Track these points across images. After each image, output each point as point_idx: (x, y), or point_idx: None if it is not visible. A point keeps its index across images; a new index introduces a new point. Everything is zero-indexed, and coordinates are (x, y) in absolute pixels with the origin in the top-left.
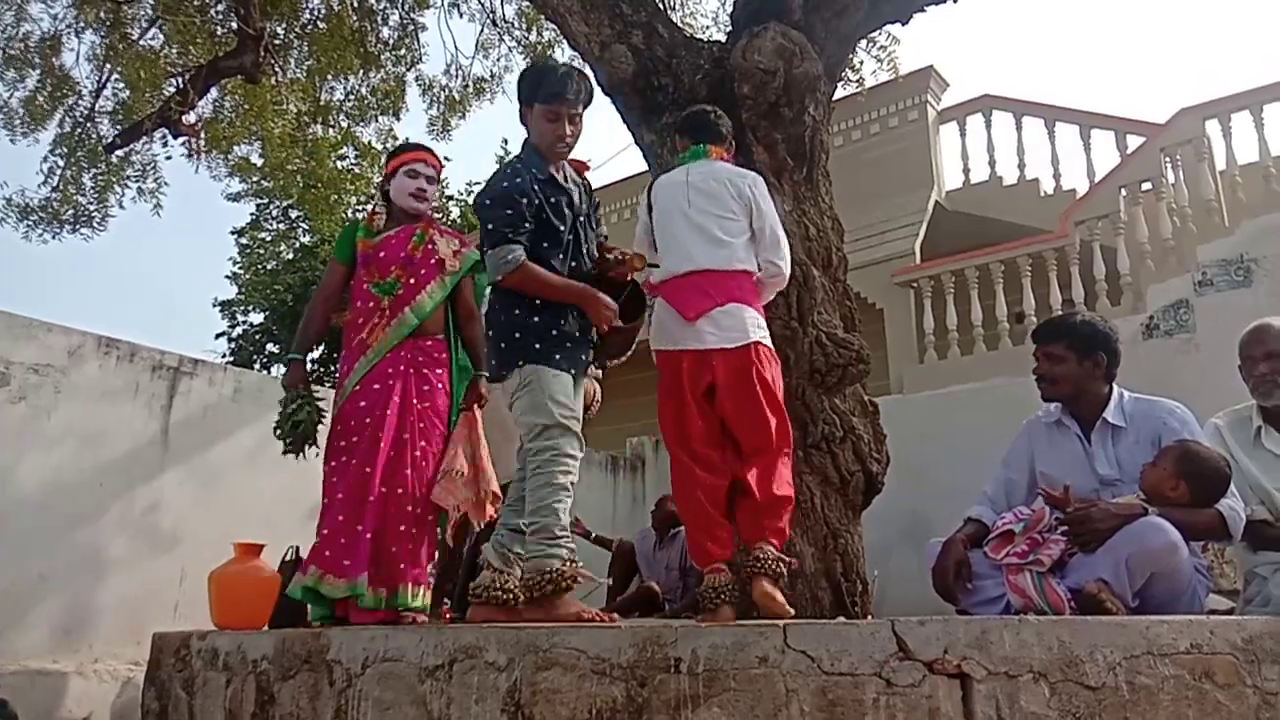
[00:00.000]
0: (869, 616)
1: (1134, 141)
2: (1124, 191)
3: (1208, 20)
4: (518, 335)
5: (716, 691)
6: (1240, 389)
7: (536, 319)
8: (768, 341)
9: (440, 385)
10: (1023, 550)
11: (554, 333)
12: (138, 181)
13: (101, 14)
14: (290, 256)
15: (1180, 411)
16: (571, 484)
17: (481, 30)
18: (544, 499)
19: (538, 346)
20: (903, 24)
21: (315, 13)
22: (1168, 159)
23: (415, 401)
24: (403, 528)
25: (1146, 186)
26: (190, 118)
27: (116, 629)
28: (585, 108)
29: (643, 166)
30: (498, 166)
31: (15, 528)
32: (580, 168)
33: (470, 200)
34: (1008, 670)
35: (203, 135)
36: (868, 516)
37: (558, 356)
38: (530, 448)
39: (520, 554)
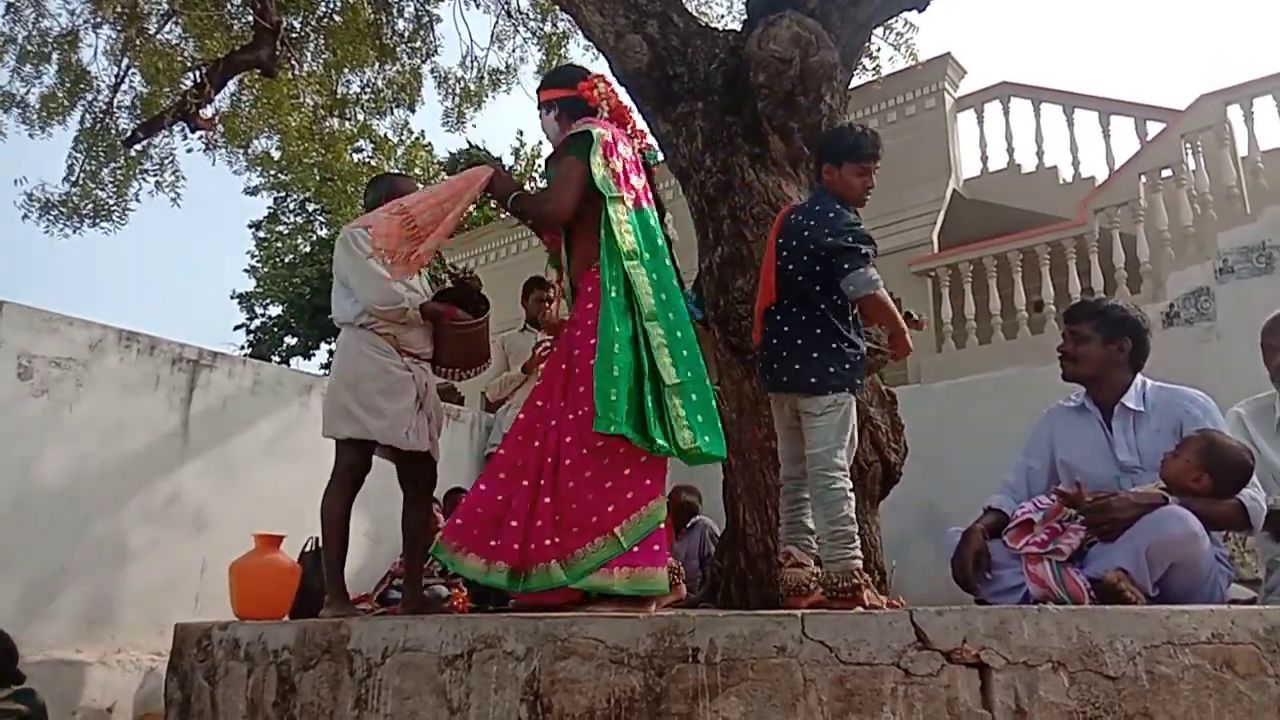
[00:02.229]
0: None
1: (1154, 128)
2: (1144, 178)
3: (1229, 4)
4: (847, 366)
5: (734, 681)
6: (1262, 378)
7: (855, 352)
8: None
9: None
10: (1042, 539)
11: (859, 361)
12: (155, 175)
13: (119, 8)
14: (308, 250)
15: (1202, 400)
16: None
17: (496, 21)
18: (845, 510)
19: (857, 381)
20: (919, 10)
21: (331, 6)
22: (1188, 145)
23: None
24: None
25: (1167, 173)
26: (208, 111)
27: (139, 619)
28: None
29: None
30: (822, 205)
31: (38, 520)
32: None
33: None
34: (1026, 660)
35: (220, 129)
36: (885, 506)
37: (860, 385)
38: (829, 462)
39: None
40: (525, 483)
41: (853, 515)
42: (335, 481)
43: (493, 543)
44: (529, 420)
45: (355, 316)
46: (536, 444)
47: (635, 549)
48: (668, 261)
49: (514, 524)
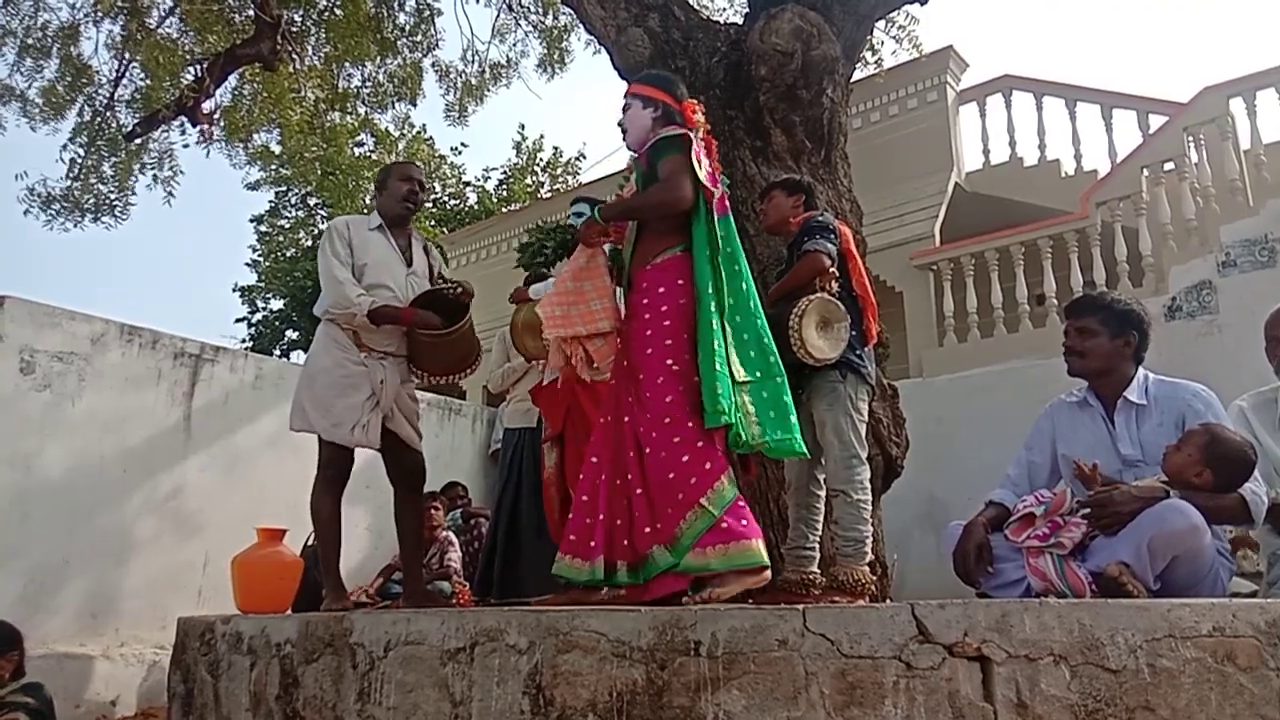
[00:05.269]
0: (888, 600)
1: (1156, 121)
2: (1146, 172)
3: None
4: None
5: (736, 674)
6: (1265, 371)
7: None
8: None
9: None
10: (1044, 533)
11: None
12: (154, 169)
13: (120, 2)
14: (309, 243)
15: (1204, 394)
16: None
17: (497, 15)
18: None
19: None
20: (921, 3)
21: (331, 0)
22: (1191, 138)
23: None
24: None
25: (1169, 166)
26: (208, 106)
27: (141, 613)
28: None
29: None
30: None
31: (41, 514)
32: None
33: (486, 186)
34: (1028, 653)
35: (221, 123)
36: (887, 500)
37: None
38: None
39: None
40: (619, 481)
41: None
42: (319, 477)
43: (591, 543)
44: (608, 425)
45: (322, 311)
46: (616, 443)
47: (724, 522)
48: (745, 266)
49: (618, 522)
